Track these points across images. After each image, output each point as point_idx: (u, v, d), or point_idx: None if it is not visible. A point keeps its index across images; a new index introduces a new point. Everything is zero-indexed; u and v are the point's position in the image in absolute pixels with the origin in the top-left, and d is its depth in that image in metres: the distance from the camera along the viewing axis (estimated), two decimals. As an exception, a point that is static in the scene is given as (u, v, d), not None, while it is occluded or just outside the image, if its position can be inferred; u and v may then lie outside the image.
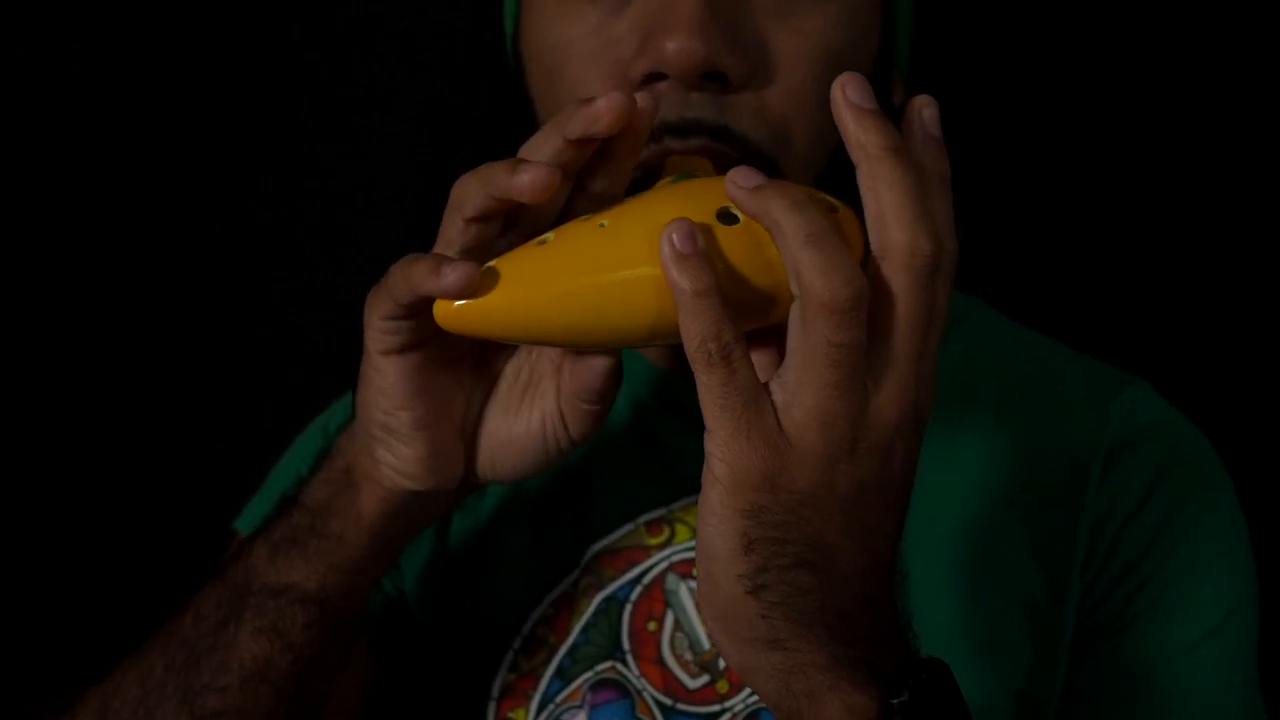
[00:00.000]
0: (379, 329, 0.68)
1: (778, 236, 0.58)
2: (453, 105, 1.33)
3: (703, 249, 0.58)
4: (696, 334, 0.58)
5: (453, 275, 0.62)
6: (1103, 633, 0.83)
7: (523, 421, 0.73)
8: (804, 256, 0.57)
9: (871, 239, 0.58)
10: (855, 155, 0.59)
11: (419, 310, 0.66)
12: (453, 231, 0.67)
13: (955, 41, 0.95)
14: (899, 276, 0.57)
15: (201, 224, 1.33)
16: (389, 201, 1.33)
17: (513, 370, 0.74)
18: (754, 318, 0.62)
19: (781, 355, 0.60)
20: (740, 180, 0.60)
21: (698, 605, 0.82)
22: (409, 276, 0.64)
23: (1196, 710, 0.81)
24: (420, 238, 1.25)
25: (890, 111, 0.84)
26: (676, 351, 0.87)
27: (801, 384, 0.57)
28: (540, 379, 0.73)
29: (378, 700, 0.88)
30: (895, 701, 0.59)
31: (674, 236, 0.58)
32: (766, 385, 0.59)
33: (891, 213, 0.58)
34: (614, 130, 0.65)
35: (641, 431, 0.88)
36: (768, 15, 0.75)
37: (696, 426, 0.85)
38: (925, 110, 0.63)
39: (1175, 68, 1.24)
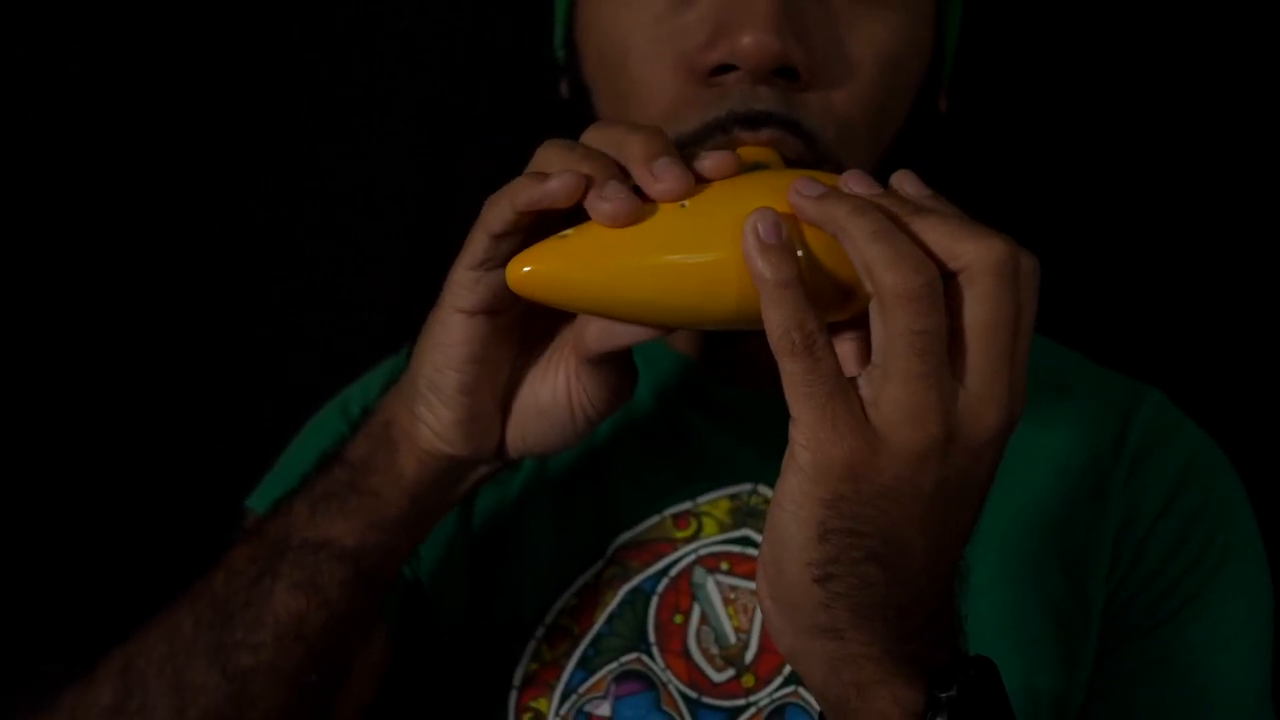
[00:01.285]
0: (461, 282, 0.69)
1: (845, 241, 0.59)
2: (453, 105, 1.34)
3: (787, 239, 0.59)
4: (780, 323, 0.58)
5: (556, 181, 0.64)
6: (1129, 636, 0.84)
7: (548, 388, 0.73)
8: (872, 252, 0.57)
9: (949, 264, 0.59)
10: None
11: (509, 250, 0.66)
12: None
13: (976, 49, 0.96)
14: (980, 279, 0.58)
15: (202, 224, 1.33)
16: (389, 201, 1.33)
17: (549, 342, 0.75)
18: (833, 309, 0.62)
19: (866, 352, 0.60)
20: (803, 190, 0.61)
21: (727, 599, 0.83)
22: (510, 194, 0.65)
23: (1222, 711, 0.82)
24: (420, 237, 1.26)
25: (936, 118, 0.85)
26: (705, 344, 0.88)
27: (887, 377, 0.58)
28: (564, 345, 0.74)
29: (398, 687, 0.87)
30: (943, 696, 0.60)
31: (759, 226, 0.59)
32: (854, 380, 0.59)
33: (949, 239, 0.58)
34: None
35: (668, 423, 0.88)
36: (836, 16, 0.76)
37: (724, 419, 0.87)
38: (906, 182, 0.63)
39: (1185, 72, 1.25)
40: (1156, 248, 1.27)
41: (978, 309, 0.58)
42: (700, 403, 0.88)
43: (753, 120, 0.73)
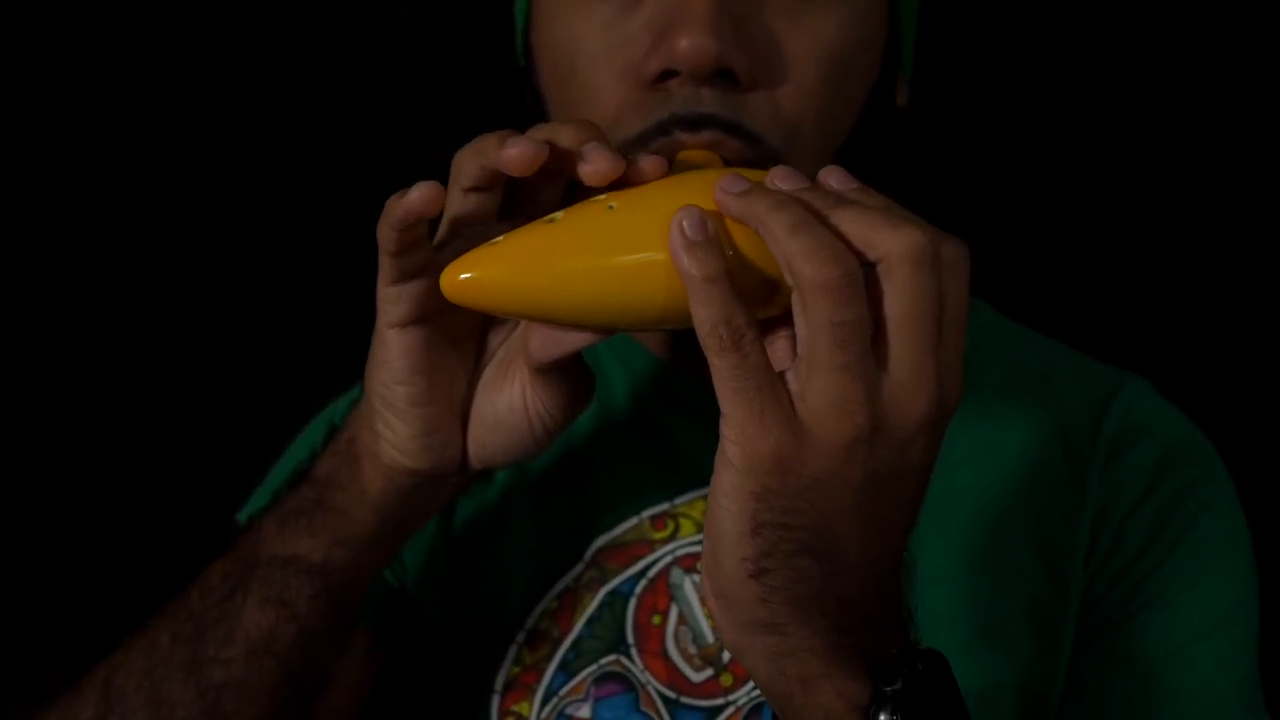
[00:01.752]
0: (384, 298, 0.69)
1: (766, 236, 0.59)
2: (453, 105, 1.33)
3: (713, 236, 0.59)
4: (708, 319, 0.58)
5: (415, 194, 0.65)
6: (1106, 626, 0.83)
7: (504, 398, 0.73)
8: (790, 245, 0.57)
9: (868, 254, 0.58)
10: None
11: (412, 263, 0.67)
12: (454, 201, 0.68)
13: (955, 41, 0.95)
14: (897, 268, 0.57)
15: (202, 224, 1.33)
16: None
17: (500, 349, 0.75)
18: (764, 305, 0.62)
19: (795, 348, 0.60)
20: (726, 187, 0.61)
21: (703, 599, 0.83)
22: (386, 217, 0.66)
23: (1198, 703, 0.82)
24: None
25: (894, 113, 0.85)
26: (678, 343, 0.88)
27: (812, 370, 0.57)
28: (517, 354, 0.74)
29: (382, 692, 0.88)
30: (888, 690, 0.60)
31: (685, 223, 0.59)
32: (782, 374, 0.59)
33: (867, 230, 0.58)
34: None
35: (644, 425, 0.89)
36: (779, 15, 0.76)
37: (700, 419, 0.86)
38: (833, 176, 0.63)
39: (1169, 65, 1.24)
40: (1145, 236, 1.26)
41: (897, 298, 0.58)
42: (676, 403, 0.88)
43: (694, 122, 0.73)
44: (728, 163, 0.73)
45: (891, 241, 0.57)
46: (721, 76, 0.73)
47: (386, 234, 0.67)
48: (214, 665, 0.74)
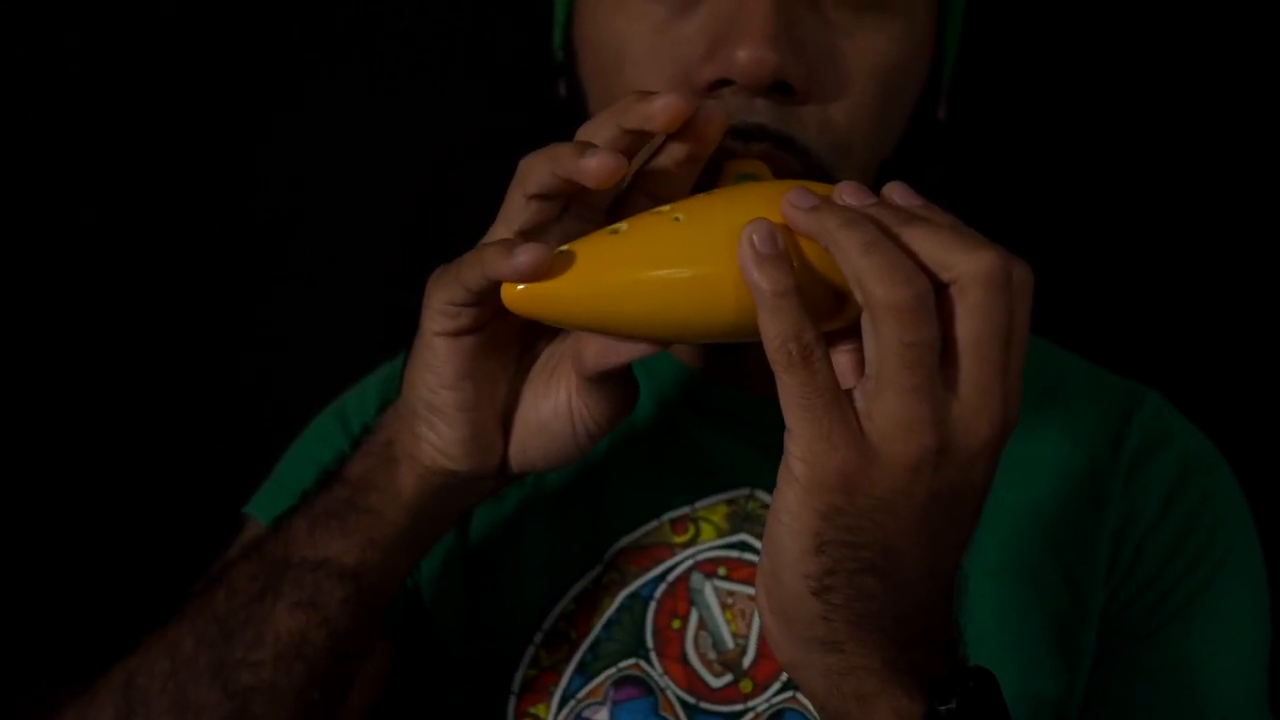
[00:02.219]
0: (440, 311, 0.68)
1: (836, 253, 0.59)
2: (452, 105, 1.33)
3: (783, 250, 0.59)
4: (777, 334, 0.58)
5: (524, 256, 0.62)
6: (1128, 638, 0.84)
7: (549, 404, 0.73)
8: (862, 265, 0.57)
9: (937, 274, 0.58)
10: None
11: (484, 297, 0.66)
12: (514, 207, 0.68)
13: (975, 53, 0.96)
14: (971, 290, 0.58)
15: (201, 223, 1.32)
16: (389, 201, 1.33)
17: (545, 355, 0.74)
18: (830, 318, 0.62)
19: (863, 363, 0.60)
20: (795, 201, 0.61)
21: (723, 604, 0.83)
22: (481, 260, 0.65)
23: (1218, 714, 0.83)
24: (419, 239, 1.26)
25: (934, 127, 0.85)
26: (704, 350, 0.88)
27: (880, 389, 0.57)
28: (564, 360, 0.73)
29: (397, 693, 0.87)
30: (943, 708, 0.60)
31: (754, 237, 0.59)
32: (850, 392, 0.59)
33: (941, 250, 0.58)
34: (668, 130, 0.66)
35: (666, 429, 0.88)
36: (834, 28, 0.76)
37: (724, 427, 0.86)
38: (897, 192, 0.63)
39: (1193, 76, 1.25)
40: (1156, 249, 1.27)
41: (969, 321, 0.58)
42: (697, 407, 0.88)
43: (746, 133, 0.73)
44: (778, 174, 0.73)
45: (966, 263, 0.57)
46: (777, 89, 0.73)
47: (477, 278, 0.65)
48: (242, 668, 0.74)
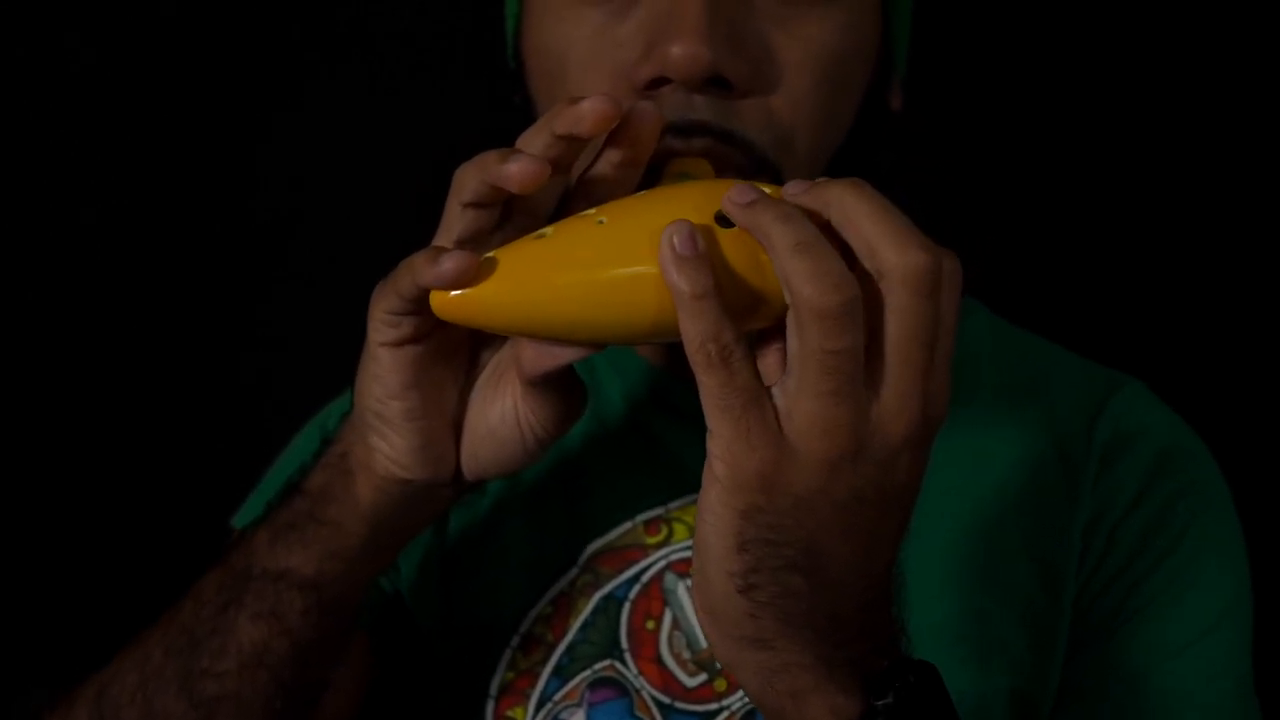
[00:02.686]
0: (381, 321, 0.69)
1: (769, 248, 0.58)
2: (453, 105, 1.33)
3: (703, 251, 0.58)
4: (696, 335, 0.58)
5: (449, 264, 0.63)
6: (1098, 631, 0.84)
7: (496, 411, 0.73)
8: (793, 265, 0.57)
9: (867, 267, 0.58)
10: (824, 208, 0.60)
11: (422, 304, 0.66)
12: (452, 216, 0.68)
13: (951, 42, 0.95)
14: (897, 291, 0.57)
15: (202, 224, 1.33)
16: (389, 201, 1.33)
17: (491, 362, 0.75)
18: (752, 319, 0.62)
19: (785, 361, 0.60)
20: (735, 197, 0.61)
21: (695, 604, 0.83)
22: (411, 268, 0.65)
23: (1192, 709, 0.82)
24: (420, 238, 1.27)
25: (888, 116, 0.84)
26: (673, 350, 0.87)
27: (800, 391, 0.57)
28: (509, 366, 0.73)
29: (376, 697, 0.88)
30: (879, 703, 0.60)
31: (674, 238, 0.58)
32: (770, 390, 0.59)
33: (876, 237, 0.58)
34: (597, 132, 0.66)
35: (638, 430, 0.88)
36: (771, 21, 0.76)
37: (694, 426, 0.85)
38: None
39: (1168, 66, 1.24)
40: (1141, 236, 1.26)
41: (894, 322, 0.57)
42: (670, 408, 0.88)
43: (686, 129, 0.73)
44: (720, 170, 0.73)
45: (895, 260, 0.57)
46: (715, 84, 0.73)
47: (408, 285, 0.65)
48: (207, 678, 0.74)
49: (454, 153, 1.31)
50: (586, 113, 0.65)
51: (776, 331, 0.62)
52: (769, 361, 0.62)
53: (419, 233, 1.29)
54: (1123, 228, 1.26)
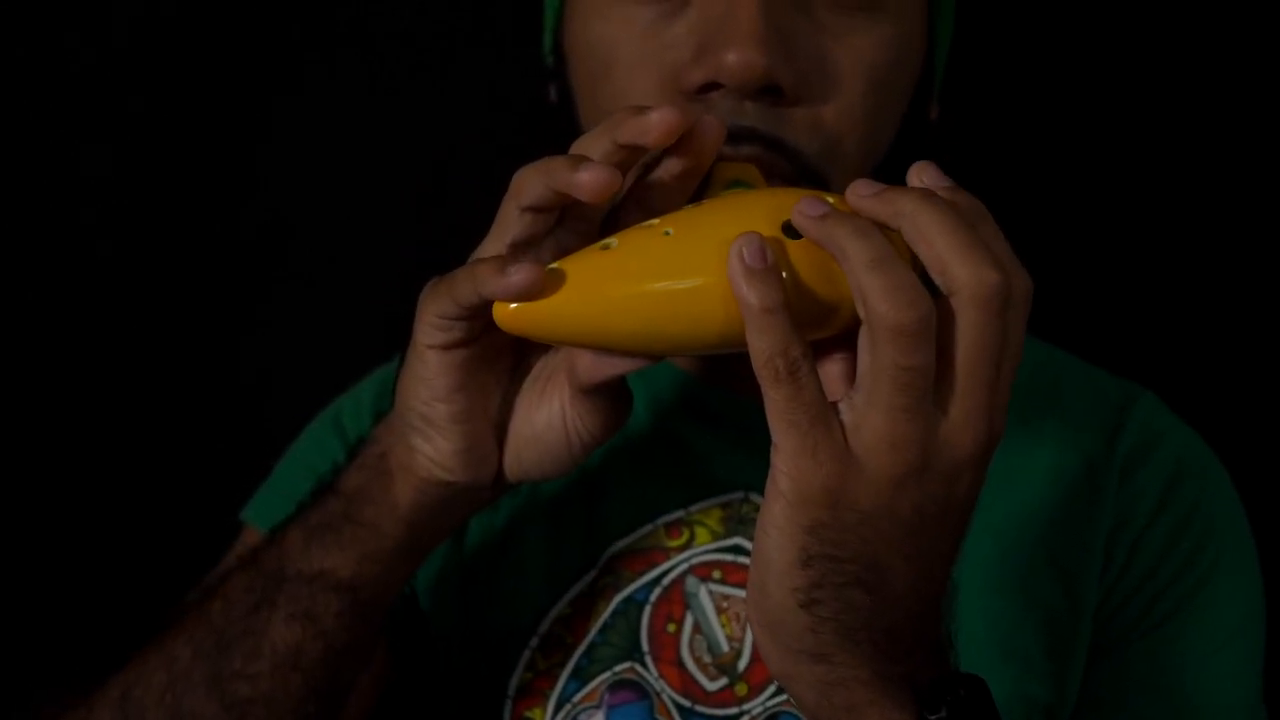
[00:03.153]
0: (432, 325, 0.68)
1: (843, 262, 0.58)
2: (453, 105, 1.33)
3: (773, 264, 0.59)
4: (764, 350, 0.58)
5: (518, 276, 0.62)
6: (1119, 640, 0.84)
7: (543, 415, 0.73)
8: (869, 280, 0.57)
9: (938, 283, 0.58)
10: (896, 220, 0.59)
11: (476, 311, 0.66)
12: (508, 219, 0.67)
13: (965, 51, 0.96)
14: (968, 309, 0.57)
15: (202, 224, 1.32)
16: (389, 201, 1.33)
17: (538, 366, 0.74)
18: (818, 330, 0.62)
19: (852, 372, 0.60)
20: (806, 209, 0.60)
21: (720, 608, 0.83)
22: (474, 277, 0.65)
23: (1214, 717, 0.82)
24: (419, 238, 1.26)
25: (926, 127, 0.85)
26: (702, 356, 0.87)
27: (870, 406, 0.57)
28: (557, 371, 0.73)
29: (394, 696, 0.88)
30: (933, 718, 0.60)
31: (744, 251, 0.58)
32: (836, 405, 0.59)
33: (949, 253, 0.57)
34: (662, 144, 0.65)
35: (662, 433, 0.88)
36: (822, 30, 0.76)
37: (716, 429, 0.87)
38: (925, 173, 0.63)
39: (1183, 73, 1.24)
40: (1152, 248, 1.26)
41: (964, 339, 0.57)
42: (692, 411, 0.88)
43: (736, 136, 0.73)
44: (767, 177, 0.73)
45: (966, 278, 0.57)
46: (767, 92, 0.73)
47: (469, 293, 0.65)
48: (239, 680, 0.74)
49: (454, 153, 1.33)
50: (654, 125, 0.64)
51: (836, 344, 0.62)
52: (831, 373, 0.62)
53: (419, 232, 1.30)
54: (1124, 236, 1.27)
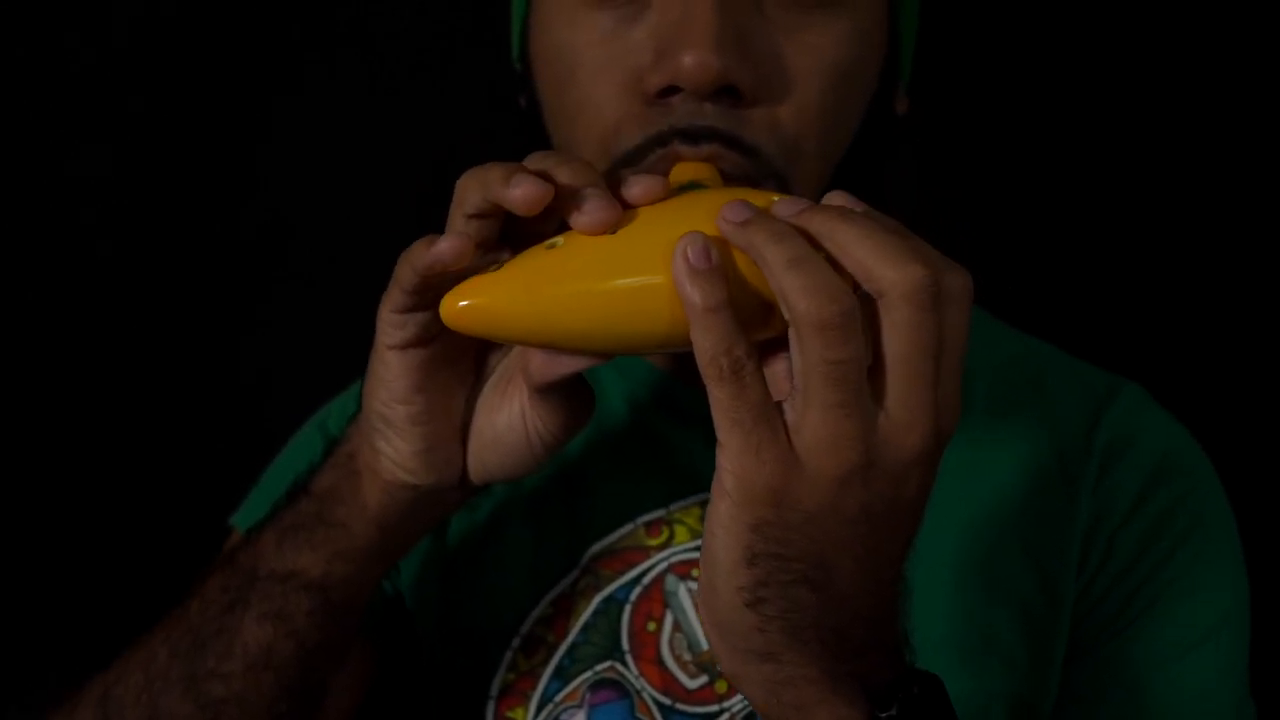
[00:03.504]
0: (388, 322, 0.69)
1: (763, 266, 0.58)
2: (453, 105, 1.33)
3: (717, 264, 0.58)
4: (709, 348, 0.58)
5: (444, 244, 0.64)
6: (1098, 636, 0.84)
7: (503, 416, 0.73)
8: (788, 281, 0.57)
9: (867, 289, 0.58)
10: (817, 239, 0.59)
11: (426, 298, 0.67)
12: (455, 225, 0.67)
13: (949, 44, 0.95)
14: (897, 306, 0.57)
15: (202, 224, 1.33)
16: (389, 201, 1.33)
17: (499, 367, 0.75)
18: (763, 329, 0.62)
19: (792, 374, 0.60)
20: (728, 215, 0.60)
21: (697, 606, 0.83)
22: (408, 257, 0.66)
23: (1189, 715, 0.82)
24: (419, 238, 1.27)
25: (893, 121, 0.84)
26: (676, 354, 0.87)
27: (807, 405, 0.57)
28: (517, 372, 0.73)
29: (377, 697, 0.88)
30: (884, 715, 0.60)
31: (688, 250, 0.58)
32: (781, 404, 0.59)
33: (870, 258, 0.57)
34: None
35: (640, 432, 0.88)
36: (780, 30, 0.75)
37: (697, 428, 0.86)
38: (841, 199, 0.62)
39: (1165, 64, 1.24)
40: (1144, 240, 1.26)
41: (895, 337, 0.57)
42: (671, 410, 0.88)
43: (694, 135, 0.73)
44: (726, 176, 0.73)
45: (892, 277, 0.57)
46: (724, 93, 0.73)
47: (407, 274, 0.66)
48: (213, 679, 0.74)
49: (454, 153, 1.32)
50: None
51: (782, 344, 0.62)
52: (776, 372, 0.62)
53: (419, 233, 1.29)
54: (1116, 229, 1.27)
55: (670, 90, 0.73)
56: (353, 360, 1.04)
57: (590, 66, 0.76)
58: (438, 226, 0.70)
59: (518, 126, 1.18)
